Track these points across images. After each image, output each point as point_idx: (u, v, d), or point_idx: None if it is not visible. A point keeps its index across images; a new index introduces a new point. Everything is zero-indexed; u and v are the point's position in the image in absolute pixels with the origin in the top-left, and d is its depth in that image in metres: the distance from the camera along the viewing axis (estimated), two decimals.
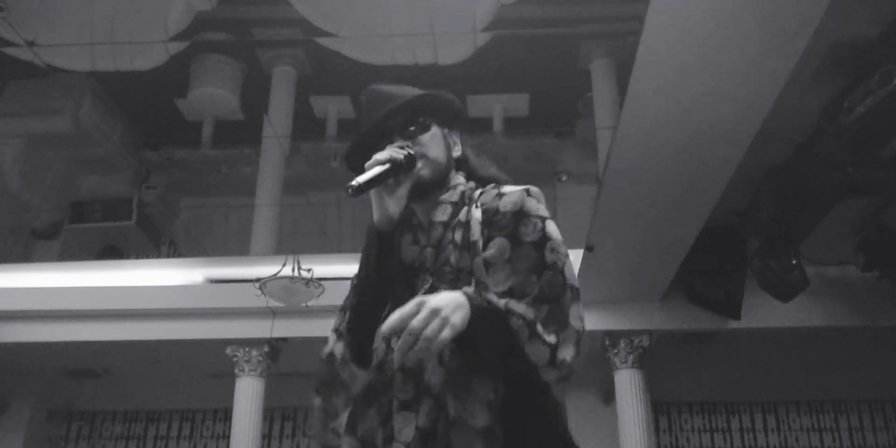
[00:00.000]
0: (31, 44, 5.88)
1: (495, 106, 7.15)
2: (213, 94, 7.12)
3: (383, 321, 1.29)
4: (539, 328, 1.33)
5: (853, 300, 6.51)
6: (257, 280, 5.92)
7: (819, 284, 6.32)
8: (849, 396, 7.99)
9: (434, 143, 1.56)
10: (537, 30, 6.39)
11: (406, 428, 1.35)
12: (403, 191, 1.46)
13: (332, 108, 7.84)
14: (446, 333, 1.20)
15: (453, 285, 1.41)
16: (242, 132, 7.55)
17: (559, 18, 6.56)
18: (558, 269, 1.41)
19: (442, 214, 1.50)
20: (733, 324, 6.42)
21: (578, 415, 7.71)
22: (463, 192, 1.54)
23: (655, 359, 6.76)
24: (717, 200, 4.89)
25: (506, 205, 1.47)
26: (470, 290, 1.36)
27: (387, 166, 1.41)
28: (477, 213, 1.48)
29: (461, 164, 1.61)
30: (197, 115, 7.70)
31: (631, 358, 6.52)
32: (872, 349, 7.03)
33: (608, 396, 7.26)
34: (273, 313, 6.78)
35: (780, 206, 5.49)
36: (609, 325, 6.54)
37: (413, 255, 1.49)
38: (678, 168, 4.54)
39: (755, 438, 8.02)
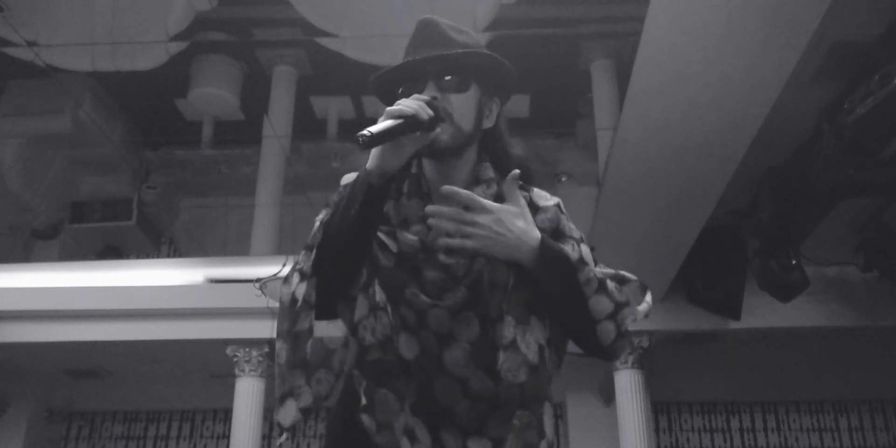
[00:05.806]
0: (31, 44, 5.88)
1: None
2: (213, 94, 7.12)
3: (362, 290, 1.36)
4: (609, 284, 1.33)
5: (853, 300, 6.51)
6: (257, 280, 5.92)
7: (819, 284, 6.32)
8: (849, 396, 7.99)
9: (466, 106, 1.39)
10: (537, 30, 6.39)
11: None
12: (410, 150, 1.29)
13: (333, 108, 7.85)
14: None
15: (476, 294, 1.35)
16: (242, 132, 7.56)
17: (559, 19, 6.56)
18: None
19: None
20: (733, 324, 6.41)
21: (578, 415, 7.72)
22: (496, 192, 1.40)
23: (655, 359, 6.75)
24: (717, 200, 4.89)
25: (543, 221, 1.41)
26: (546, 236, 1.32)
27: (403, 121, 1.24)
28: None
29: (489, 137, 1.46)
30: (197, 115, 7.71)
31: (631, 358, 6.51)
32: (872, 349, 7.03)
33: (608, 396, 7.26)
34: (273, 313, 6.77)
35: (780, 206, 5.50)
36: None
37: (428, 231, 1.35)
38: (678, 168, 4.54)
39: (755, 438, 8.02)
